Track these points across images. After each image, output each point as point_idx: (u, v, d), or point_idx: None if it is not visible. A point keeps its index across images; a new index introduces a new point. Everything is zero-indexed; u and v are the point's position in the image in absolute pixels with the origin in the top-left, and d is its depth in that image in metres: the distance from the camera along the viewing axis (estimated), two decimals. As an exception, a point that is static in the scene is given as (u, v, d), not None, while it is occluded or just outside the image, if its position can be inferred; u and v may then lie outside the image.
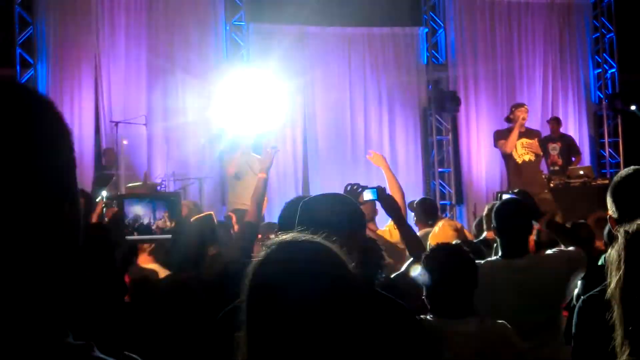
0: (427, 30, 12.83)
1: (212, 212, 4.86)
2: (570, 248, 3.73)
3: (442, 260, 2.97)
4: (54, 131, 0.83)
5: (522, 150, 10.10)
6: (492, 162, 12.61)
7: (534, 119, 12.83)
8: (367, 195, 4.00)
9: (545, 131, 11.52)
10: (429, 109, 12.75)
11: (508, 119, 10.59)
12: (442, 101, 12.44)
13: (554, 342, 3.53)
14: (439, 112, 12.71)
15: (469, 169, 12.72)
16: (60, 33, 10.98)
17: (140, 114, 10.83)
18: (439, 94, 12.63)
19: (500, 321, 2.94)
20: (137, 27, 11.31)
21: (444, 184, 12.84)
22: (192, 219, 5.03)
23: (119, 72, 11.14)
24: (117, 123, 10.36)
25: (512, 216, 3.68)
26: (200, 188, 10.44)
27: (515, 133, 10.08)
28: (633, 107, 12.33)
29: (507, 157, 10.27)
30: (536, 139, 10.27)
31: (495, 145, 10.52)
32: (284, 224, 2.95)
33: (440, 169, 12.80)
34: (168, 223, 2.81)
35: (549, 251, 4.00)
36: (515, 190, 5.39)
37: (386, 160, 6.02)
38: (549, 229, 4.46)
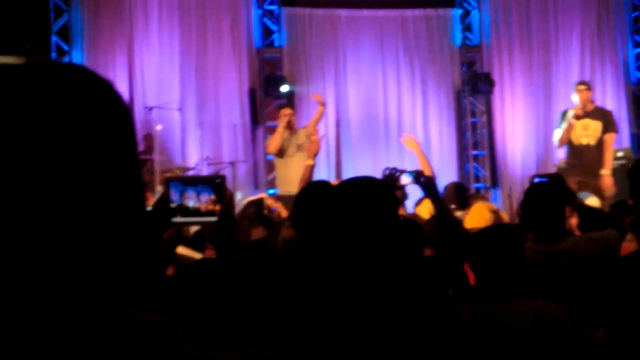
0: (460, 11, 12.70)
1: (264, 195, 4.89)
2: (608, 230, 3.69)
3: (493, 241, 2.93)
4: (119, 110, 0.86)
5: (581, 132, 8.79)
6: (528, 144, 12.48)
7: (571, 100, 12.65)
8: (405, 179, 3.99)
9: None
10: (462, 91, 12.65)
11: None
12: (476, 83, 12.34)
13: (596, 323, 3.50)
14: (473, 94, 12.61)
15: (503, 151, 12.60)
16: (95, 20, 11.06)
17: (173, 99, 10.90)
18: (472, 76, 12.52)
19: (550, 302, 2.91)
20: (170, 13, 11.35)
21: (479, 167, 12.75)
22: (245, 201, 5.08)
23: (153, 58, 11.21)
24: (151, 108, 10.43)
25: (540, 201, 3.65)
26: (233, 172, 10.48)
27: (567, 129, 8.75)
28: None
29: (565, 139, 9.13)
30: (600, 122, 8.83)
31: None
32: (299, 208, 2.93)
33: (474, 152, 12.71)
34: (212, 206, 2.82)
35: (586, 234, 3.96)
36: (549, 174, 5.35)
37: (420, 145, 5.99)
38: (579, 213, 4.43)
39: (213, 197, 2.83)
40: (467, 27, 12.80)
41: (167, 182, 2.89)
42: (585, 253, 3.53)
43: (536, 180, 4.39)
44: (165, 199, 2.80)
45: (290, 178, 7.33)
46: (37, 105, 0.77)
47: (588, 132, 8.73)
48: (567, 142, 8.78)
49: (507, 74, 12.71)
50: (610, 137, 8.81)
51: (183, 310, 2.22)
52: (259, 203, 4.81)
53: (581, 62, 12.89)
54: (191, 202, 2.81)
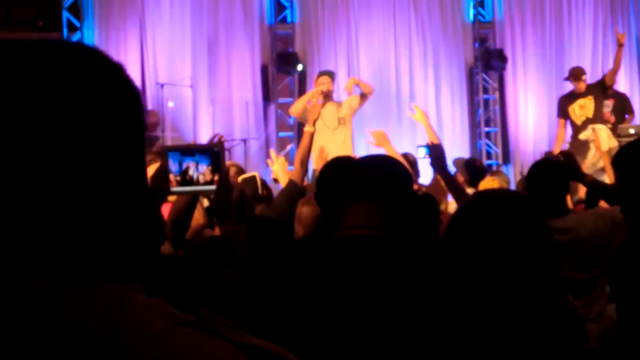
0: (473, -13, 12.61)
1: (256, 173, 4.87)
2: (614, 207, 3.68)
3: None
4: (124, 93, 0.85)
5: (580, 112, 9.49)
6: (540, 122, 12.43)
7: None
8: (421, 153, 4.02)
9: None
10: (475, 68, 12.59)
11: (567, 79, 9.98)
12: (489, 59, 12.27)
13: (601, 300, 3.51)
14: (486, 70, 12.55)
15: (516, 128, 12.56)
16: (106, -4, 11.05)
17: (185, 75, 10.90)
18: (485, 52, 12.45)
19: None
20: (181, -11, 11.32)
21: (491, 144, 12.71)
22: (238, 179, 5.07)
23: (164, 34, 11.19)
24: (162, 85, 10.43)
25: (542, 177, 3.66)
26: (245, 149, 10.49)
27: (560, 138, 9.59)
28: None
29: (571, 123, 9.61)
30: (592, 96, 9.50)
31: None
32: (325, 183, 2.95)
33: (486, 129, 12.67)
34: (210, 176, 2.80)
35: (592, 210, 3.96)
36: (561, 151, 5.36)
37: (428, 117, 5.99)
38: (592, 190, 4.42)
39: (212, 167, 2.80)
40: (480, 3, 12.70)
41: (165, 153, 2.84)
42: (590, 230, 3.54)
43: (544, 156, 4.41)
44: (164, 170, 2.77)
45: (329, 153, 6.91)
46: (44, 86, 0.77)
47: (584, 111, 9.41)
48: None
49: (520, 50, 12.64)
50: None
51: (191, 290, 2.23)
52: (252, 182, 4.77)
53: (594, 38, 12.79)
54: (190, 172, 2.79)
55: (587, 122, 9.28)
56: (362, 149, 10.77)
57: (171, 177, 2.75)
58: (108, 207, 0.80)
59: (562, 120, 9.63)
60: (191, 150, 2.83)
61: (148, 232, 0.89)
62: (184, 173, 2.73)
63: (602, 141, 7.60)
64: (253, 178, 4.82)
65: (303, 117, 7.86)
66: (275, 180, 5.84)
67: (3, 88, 0.76)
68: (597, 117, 9.39)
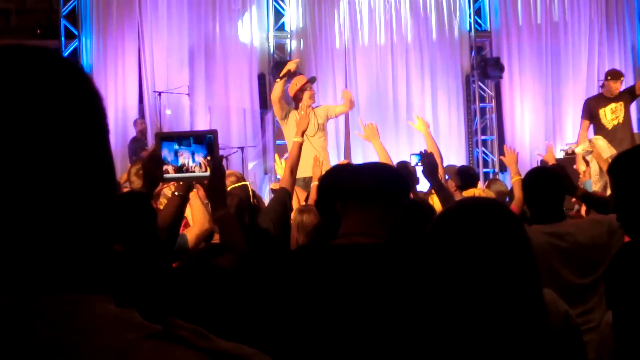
0: (470, -4, 12.67)
1: (247, 183, 4.88)
2: (611, 215, 3.71)
3: None
4: (84, 96, 0.83)
5: (612, 116, 9.01)
6: (536, 130, 12.48)
7: (579, 85, 12.64)
8: (414, 160, 4.07)
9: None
10: (472, 76, 12.63)
11: (603, 85, 9.41)
12: (485, 68, 12.31)
13: (601, 308, 3.53)
14: (482, 79, 12.60)
15: (512, 136, 12.60)
16: (104, 4, 11.07)
17: (183, 84, 10.91)
18: (482, 61, 12.50)
19: (545, 288, 2.92)
20: (179, -3, 11.35)
21: (487, 152, 12.75)
22: (228, 189, 5.07)
23: (162, 42, 11.21)
24: (160, 93, 10.45)
25: (537, 184, 3.69)
26: (242, 157, 10.50)
27: (582, 138, 8.95)
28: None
29: (596, 127, 9.14)
30: (622, 102, 9.03)
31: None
32: (324, 190, 2.97)
33: (483, 137, 12.71)
34: (205, 166, 2.78)
35: (590, 217, 3.99)
36: (553, 164, 5.41)
37: (429, 126, 6.08)
38: (584, 202, 4.47)
39: (208, 157, 2.78)
40: (477, 12, 12.76)
41: (159, 139, 2.79)
42: (588, 236, 3.56)
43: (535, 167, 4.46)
44: (156, 156, 2.73)
45: (306, 159, 6.86)
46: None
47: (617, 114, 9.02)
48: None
49: (516, 58, 12.70)
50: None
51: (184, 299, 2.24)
52: (245, 190, 4.77)
53: (590, 47, 12.85)
54: (185, 161, 2.76)
55: (618, 127, 8.97)
56: (359, 156, 10.81)
57: (167, 167, 2.72)
58: (74, 213, 0.79)
59: (586, 122, 9.15)
60: (187, 139, 2.79)
61: (114, 237, 0.87)
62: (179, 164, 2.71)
63: (603, 150, 7.63)
64: (245, 187, 4.83)
65: (281, 106, 7.74)
66: (273, 190, 5.84)
67: None
68: (627, 124, 9.10)
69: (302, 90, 7.76)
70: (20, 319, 0.74)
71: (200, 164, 2.74)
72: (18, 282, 0.75)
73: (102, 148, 0.84)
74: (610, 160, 6.96)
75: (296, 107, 7.73)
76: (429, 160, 4.11)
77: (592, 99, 9.40)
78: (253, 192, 4.91)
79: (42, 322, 0.74)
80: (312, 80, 8.22)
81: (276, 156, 5.90)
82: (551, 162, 6.32)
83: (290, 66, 8.01)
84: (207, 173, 2.76)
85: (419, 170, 5.21)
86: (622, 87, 9.00)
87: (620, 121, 8.98)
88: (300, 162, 5.07)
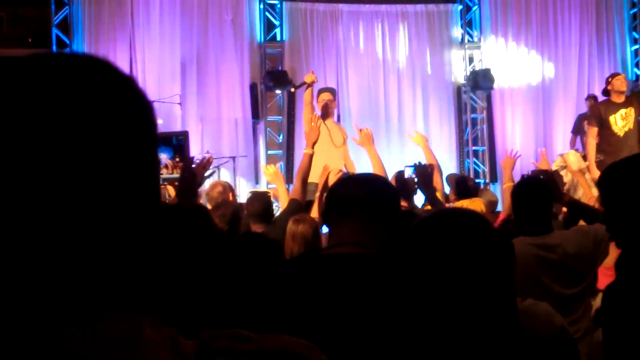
0: (461, 7, 12.72)
1: (269, 191, 4.88)
2: (596, 225, 3.74)
3: None
4: (136, 107, 0.84)
5: (622, 123, 8.69)
6: (527, 140, 12.52)
7: (570, 96, 12.70)
8: (407, 172, 4.08)
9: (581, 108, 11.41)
10: (463, 87, 12.68)
11: (606, 91, 9.11)
12: (477, 79, 12.36)
13: (587, 317, 3.55)
14: (474, 90, 12.64)
15: (503, 147, 12.60)
16: (96, 13, 11.07)
17: (174, 93, 10.91)
18: (473, 72, 12.54)
19: (541, 302, 2.92)
20: (171, 6, 11.35)
21: (478, 163, 12.79)
22: (249, 192, 5.09)
23: (154, 52, 11.21)
24: (152, 102, 10.43)
25: (525, 196, 3.70)
26: (234, 167, 10.50)
27: (591, 155, 8.65)
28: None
29: (606, 134, 8.80)
30: (633, 108, 8.74)
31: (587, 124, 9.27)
32: (328, 202, 2.97)
33: (474, 147, 12.74)
34: (172, 168, 2.78)
35: (575, 227, 4.02)
36: (534, 170, 5.43)
37: (427, 141, 6.13)
38: (570, 209, 4.50)
39: (177, 158, 2.79)
40: (468, 23, 12.81)
41: None
42: (575, 246, 3.58)
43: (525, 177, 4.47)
44: (190, 169, 2.72)
45: (333, 170, 6.69)
46: (52, 99, 0.75)
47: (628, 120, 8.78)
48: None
49: (507, 70, 12.74)
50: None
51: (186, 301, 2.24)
52: (265, 199, 4.77)
53: (580, 59, 12.92)
54: None
55: (629, 134, 8.70)
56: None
57: None
58: (123, 231, 0.77)
59: (595, 129, 8.81)
60: None
61: (158, 253, 0.85)
62: None
63: (573, 164, 7.67)
64: (266, 195, 4.82)
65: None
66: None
67: (9, 103, 0.74)
68: (636, 130, 8.79)
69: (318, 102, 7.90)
70: (76, 345, 0.72)
71: (166, 164, 2.74)
72: (69, 301, 0.74)
73: (153, 159, 0.83)
74: (577, 171, 6.98)
75: (324, 118, 7.78)
76: (423, 172, 4.13)
77: (601, 104, 9.06)
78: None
79: (98, 348, 0.72)
80: (327, 90, 8.30)
81: (261, 165, 5.97)
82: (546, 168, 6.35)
83: (308, 79, 8.05)
84: (176, 175, 2.77)
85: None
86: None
87: (632, 127, 8.70)
88: (323, 172, 5.07)
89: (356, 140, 6.02)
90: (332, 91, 8.41)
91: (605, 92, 9.03)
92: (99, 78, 0.80)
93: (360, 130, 5.92)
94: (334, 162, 7.44)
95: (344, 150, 8.13)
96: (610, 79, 8.94)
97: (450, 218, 1.78)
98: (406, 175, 3.97)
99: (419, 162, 4.53)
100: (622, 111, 8.71)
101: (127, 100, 0.82)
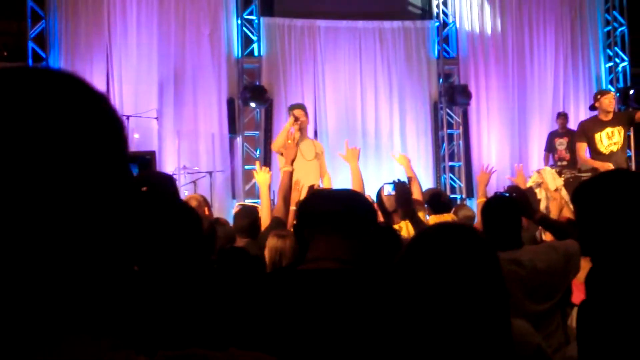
0: (438, 23, 12.82)
1: (257, 205, 4.87)
2: (568, 241, 3.77)
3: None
4: (105, 122, 0.82)
5: (608, 142, 8.69)
6: (503, 156, 12.61)
7: (545, 113, 12.83)
8: (387, 190, 4.10)
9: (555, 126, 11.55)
10: (439, 103, 12.76)
11: (593, 107, 9.09)
12: (453, 95, 12.44)
13: (559, 332, 3.57)
14: (450, 105, 12.72)
15: (479, 162, 12.68)
16: (72, 27, 11.02)
17: (151, 107, 10.88)
18: (449, 88, 12.63)
19: (518, 319, 2.94)
20: (148, 21, 11.34)
21: (455, 178, 12.85)
22: (237, 204, 5.08)
23: (131, 66, 11.18)
24: (128, 117, 10.41)
25: (494, 212, 3.74)
26: (210, 182, 10.47)
27: (591, 161, 8.69)
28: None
29: (592, 152, 8.84)
30: (621, 127, 8.71)
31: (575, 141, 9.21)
32: (300, 217, 2.98)
33: (450, 163, 12.81)
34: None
35: (545, 243, 4.05)
36: (509, 186, 5.49)
37: (410, 161, 6.21)
38: (541, 226, 4.55)
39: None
40: (445, 40, 12.91)
41: None
42: (545, 261, 3.60)
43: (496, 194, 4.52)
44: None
45: (304, 185, 6.79)
46: (20, 113, 0.74)
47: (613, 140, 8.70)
48: None
49: (483, 86, 12.86)
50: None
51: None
52: (254, 214, 4.77)
53: (555, 76, 13.07)
54: None
55: (615, 153, 8.65)
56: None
57: None
58: (88, 249, 0.76)
59: (584, 144, 8.82)
60: None
61: (126, 267, 0.84)
62: None
63: (549, 182, 7.73)
64: (254, 210, 4.82)
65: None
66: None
67: None
68: (624, 150, 8.83)
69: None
70: None
71: None
72: (29, 326, 0.73)
73: (123, 175, 0.82)
74: (555, 191, 7.05)
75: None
76: (402, 189, 4.14)
77: (587, 122, 9.07)
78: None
79: None
80: (299, 107, 8.31)
81: (257, 163, 6.07)
82: (522, 185, 6.40)
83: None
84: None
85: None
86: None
87: (619, 147, 8.67)
88: (294, 187, 5.11)
89: (342, 155, 6.14)
90: (302, 107, 8.42)
91: (592, 107, 8.99)
92: (69, 93, 0.79)
93: (350, 148, 6.08)
94: (307, 176, 7.44)
95: (317, 164, 8.12)
96: (599, 97, 8.85)
97: (448, 231, 1.81)
98: (386, 193, 4.00)
99: (398, 179, 4.57)
100: (609, 130, 8.67)
101: (97, 115, 0.80)
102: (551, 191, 7.18)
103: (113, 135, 0.82)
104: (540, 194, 8.04)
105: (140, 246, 2.24)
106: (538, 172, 8.35)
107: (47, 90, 0.78)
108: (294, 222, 3.00)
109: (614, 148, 8.64)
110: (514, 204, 3.82)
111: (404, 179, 6.04)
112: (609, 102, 8.69)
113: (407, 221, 5.28)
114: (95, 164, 0.78)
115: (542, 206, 7.78)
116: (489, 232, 3.78)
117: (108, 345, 0.76)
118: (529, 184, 8.41)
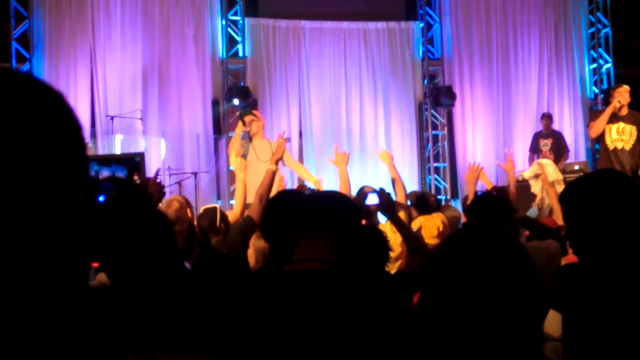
0: (422, 25, 12.85)
1: (217, 205, 4.87)
2: (548, 241, 3.79)
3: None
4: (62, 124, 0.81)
5: (616, 136, 8.46)
6: (488, 157, 12.63)
7: (530, 114, 12.88)
8: (372, 199, 4.11)
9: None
10: (424, 104, 12.79)
11: (607, 102, 9.02)
12: (438, 96, 12.48)
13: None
14: (435, 106, 12.76)
15: (464, 163, 12.74)
16: (56, 27, 10.97)
17: (135, 108, 10.84)
18: (434, 89, 12.66)
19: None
20: (133, 21, 11.30)
21: (439, 179, 12.88)
22: (201, 209, 5.09)
23: (115, 66, 11.13)
24: (112, 117, 10.37)
25: (481, 211, 3.74)
26: (195, 182, 10.44)
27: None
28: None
29: (600, 142, 8.71)
30: (635, 126, 8.49)
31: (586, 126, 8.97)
32: (268, 218, 2.97)
33: (435, 164, 12.84)
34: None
35: (528, 243, 4.07)
36: (494, 187, 5.50)
37: (393, 158, 6.24)
38: (522, 226, 4.58)
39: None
40: (429, 41, 12.94)
41: None
42: None
43: (479, 194, 4.54)
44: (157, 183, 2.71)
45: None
46: None
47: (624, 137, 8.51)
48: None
49: (468, 87, 12.89)
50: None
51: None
52: (212, 213, 4.78)
53: (539, 77, 13.12)
54: None
55: (620, 152, 8.47)
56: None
57: None
58: (49, 255, 0.75)
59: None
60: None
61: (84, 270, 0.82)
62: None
63: (549, 175, 7.75)
64: (213, 210, 4.82)
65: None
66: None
67: None
68: (633, 151, 8.52)
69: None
70: None
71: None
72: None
73: (80, 176, 0.81)
74: (554, 185, 7.06)
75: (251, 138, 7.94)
76: (386, 199, 4.15)
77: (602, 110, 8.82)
78: (223, 216, 4.89)
79: None
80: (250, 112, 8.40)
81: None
82: (511, 172, 6.41)
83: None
84: None
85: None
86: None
87: (628, 147, 8.48)
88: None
89: (332, 160, 6.21)
90: (250, 113, 8.48)
91: (607, 102, 8.86)
92: (21, 92, 0.78)
93: (339, 152, 6.14)
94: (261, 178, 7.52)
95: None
96: (611, 91, 8.68)
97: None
98: (370, 202, 4.03)
99: (381, 188, 4.59)
100: (621, 125, 8.52)
101: (51, 115, 0.80)
102: (548, 183, 7.19)
103: (68, 134, 0.81)
104: (536, 186, 8.03)
105: (108, 250, 2.22)
106: (538, 163, 8.33)
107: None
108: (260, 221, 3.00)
109: (620, 145, 8.47)
110: (501, 203, 3.83)
111: (388, 178, 6.11)
112: (622, 95, 8.46)
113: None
114: (48, 165, 0.77)
115: (539, 200, 7.80)
116: None
117: (73, 353, 0.75)
118: (527, 174, 8.40)
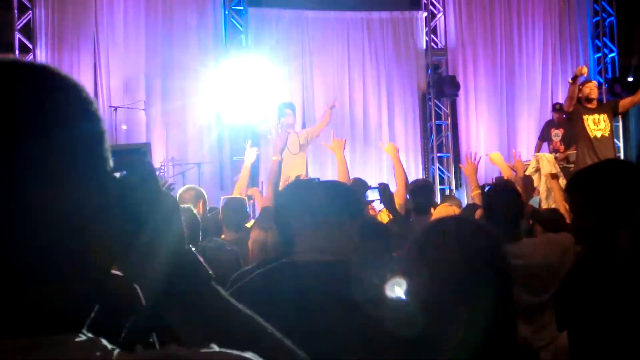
0: (426, 14, 12.81)
1: (245, 198, 4.88)
2: (562, 234, 3.77)
3: None
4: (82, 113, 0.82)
5: (594, 126, 8.99)
6: (491, 147, 12.60)
7: (534, 104, 12.84)
8: (374, 195, 4.14)
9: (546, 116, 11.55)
10: (428, 94, 12.75)
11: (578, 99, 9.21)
12: (441, 86, 12.44)
13: (552, 326, 3.57)
14: (438, 96, 12.72)
15: (467, 153, 12.70)
16: (59, 18, 10.95)
17: (139, 98, 10.83)
18: (438, 79, 12.63)
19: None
20: (135, 12, 11.27)
21: (443, 169, 12.86)
22: (222, 198, 5.10)
23: (118, 57, 11.12)
24: (116, 108, 10.35)
25: (498, 203, 3.71)
26: (199, 173, 10.44)
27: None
28: None
29: (580, 133, 9.08)
30: (606, 114, 9.01)
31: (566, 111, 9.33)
32: (281, 208, 2.96)
33: (439, 154, 12.82)
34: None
35: (542, 237, 4.05)
36: (497, 177, 5.47)
37: (398, 152, 6.29)
38: (532, 218, 4.56)
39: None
40: (433, 30, 12.90)
41: None
42: (542, 255, 3.60)
43: (487, 188, 4.52)
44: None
45: (290, 177, 6.94)
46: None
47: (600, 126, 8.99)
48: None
49: (471, 77, 12.85)
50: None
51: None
52: (240, 207, 4.78)
53: (544, 67, 13.08)
54: None
55: (602, 139, 8.92)
56: (316, 173, 10.82)
57: None
58: (70, 246, 0.75)
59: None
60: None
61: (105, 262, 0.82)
62: None
63: (544, 168, 7.79)
64: (241, 202, 4.82)
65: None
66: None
67: None
68: (611, 138, 9.12)
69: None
70: None
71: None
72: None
73: (103, 172, 0.82)
74: (548, 175, 7.06)
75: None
76: (387, 193, 4.17)
77: (578, 106, 9.25)
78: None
79: None
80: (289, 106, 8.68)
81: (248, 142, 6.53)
82: (520, 171, 6.40)
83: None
84: None
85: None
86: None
87: (606, 136, 8.97)
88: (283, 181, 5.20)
89: (328, 145, 6.29)
90: (293, 107, 8.91)
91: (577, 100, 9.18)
92: (42, 82, 0.81)
93: (335, 139, 6.23)
94: (294, 168, 7.88)
95: (303, 157, 8.53)
96: (580, 87, 9.08)
97: None
98: (372, 198, 4.10)
99: (379, 183, 4.66)
100: (596, 116, 8.96)
101: (75, 106, 0.81)
102: (547, 175, 7.19)
103: (90, 125, 0.82)
104: (539, 180, 8.06)
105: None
106: (535, 156, 8.37)
107: (21, 82, 0.79)
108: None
109: (599, 134, 8.93)
110: (516, 195, 3.80)
111: (390, 168, 6.18)
112: (590, 90, 9.01)
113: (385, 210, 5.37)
114: (74, 156, 0.77)
115: (542, 193, 7.80)
116: (491, 223, 3.74)
117: (84, 342, 0.75)
118: (528, 170, 8.45)
